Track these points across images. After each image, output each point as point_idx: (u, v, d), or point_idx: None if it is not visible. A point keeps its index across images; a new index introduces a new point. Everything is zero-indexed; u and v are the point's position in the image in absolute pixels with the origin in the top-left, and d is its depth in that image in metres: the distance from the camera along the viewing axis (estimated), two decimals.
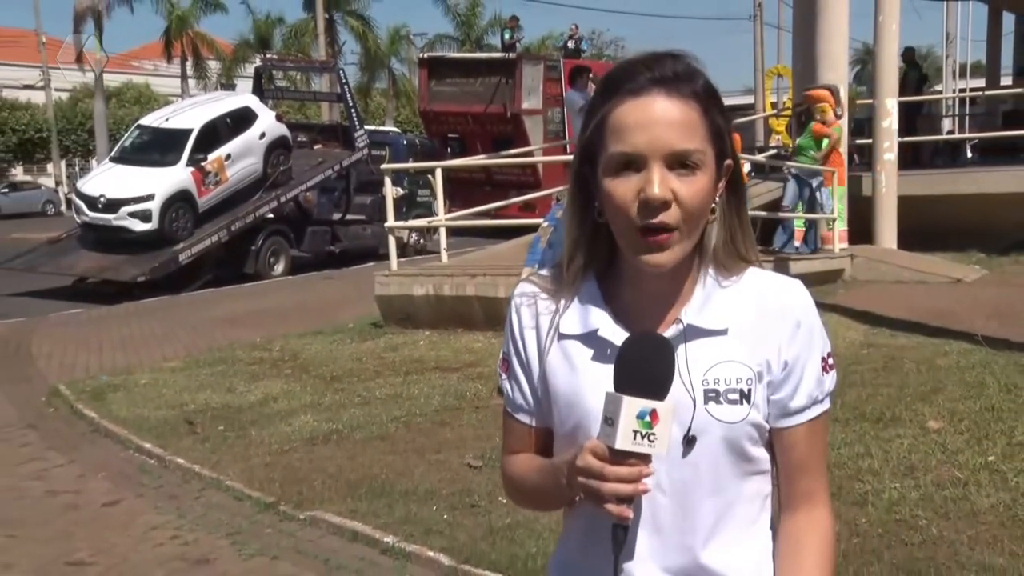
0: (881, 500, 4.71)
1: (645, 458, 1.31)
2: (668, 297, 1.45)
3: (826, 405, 1.49)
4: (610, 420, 1.30)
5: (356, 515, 5.00)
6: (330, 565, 4.54)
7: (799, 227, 12.46)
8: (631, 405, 1.28)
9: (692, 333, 1.42)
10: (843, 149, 12.87)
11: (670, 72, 1.37)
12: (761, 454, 1.46)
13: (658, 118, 1.35)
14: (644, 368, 1.31)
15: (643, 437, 1.29)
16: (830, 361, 1.49)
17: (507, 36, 25.59)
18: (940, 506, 4.61)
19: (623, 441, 1.29)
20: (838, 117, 12.42)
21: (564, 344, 1.48)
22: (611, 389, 1.32)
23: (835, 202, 12.54)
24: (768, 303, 1.45)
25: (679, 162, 1.35)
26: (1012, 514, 4.48)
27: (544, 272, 1.56)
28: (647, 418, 1.29)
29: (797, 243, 12.38)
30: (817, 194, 12.23)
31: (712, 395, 1.40)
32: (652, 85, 1.36)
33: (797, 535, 1.49)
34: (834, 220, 12.61)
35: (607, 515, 1.32)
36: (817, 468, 1.51)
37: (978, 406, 6.10)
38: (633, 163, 1.35)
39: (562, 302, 1.50)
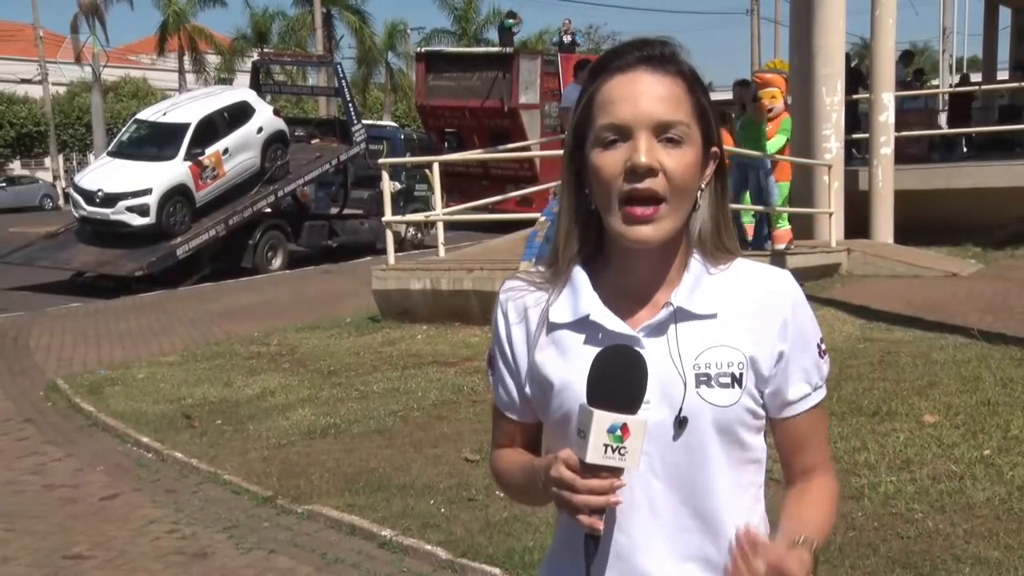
0: (877, 494, 4.73)
1: (617, 471, 1.32)
2: (657, 282, 1.47)
3: (824, 390, 1.53)
4: (582, 433, 1.31)
5: (354, 509, 5.02)
6: (327, 559, 4.55)
7: (748, 222, 11.56)
8: (602, 419, 1.29)
9: (682, 316, 1.44)
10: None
11: (657, 52, 1.41)
12: (755, 442, 1.48)
13: (644, 91, 1.38)
14: (616, 382, 1.33)
15: (614, 451, 1.30)
16: (823, 347, 1.52)
17: (508, 24, 25.33)
18: (936, 500, 4.63)
19: (594, 455, 1.30)
20: (787, 106, 11.83)
21: (555, 334, 1.49)
22: (584, 401, 1.33)
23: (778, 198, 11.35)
24: (758, 293, 1.47)
25: (665, 134, 1.38)
26: (1007, 507, 4.49)
27: (531, 268, 1.58)
28: (618, 432, 1.29)
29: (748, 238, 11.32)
30: (766, 183, 10.98)
31: (704, 379, 1.41)
32: (639, 63, 1.40)
33: (800, 491, 1.54)
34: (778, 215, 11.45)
35: (579, 526, 1.35)
36: (820, 445, 1.56)
37: (974, 400, 6.12)
38: (620, 134, 1.38)
39: (551, 293, 1.51)
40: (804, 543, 1.42)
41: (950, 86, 20.04)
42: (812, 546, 1.43)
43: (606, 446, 1.30)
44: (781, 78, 11.85)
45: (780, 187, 11.36)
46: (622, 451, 1.30)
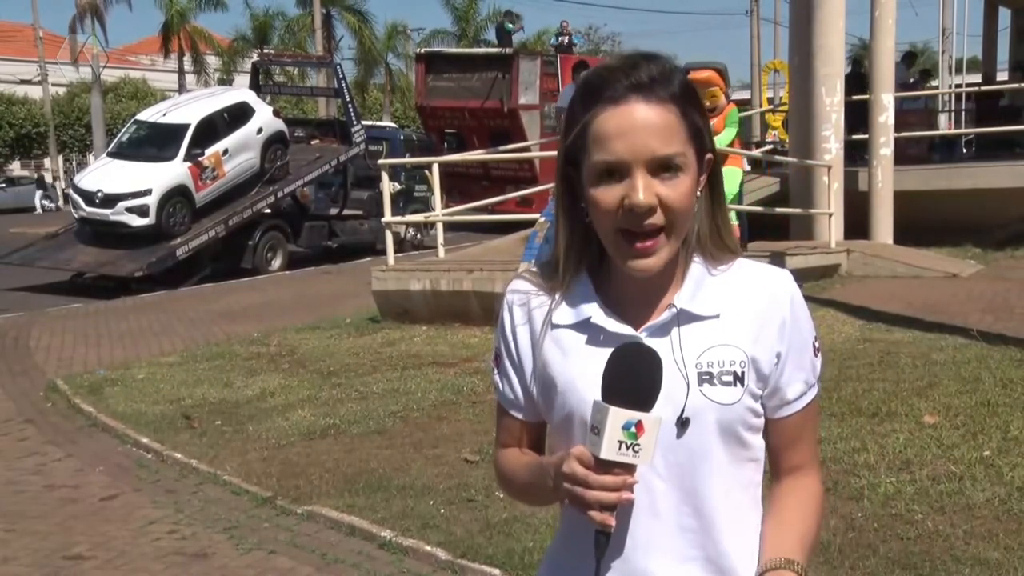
0: (877, 494, 4.73)
1: (630, 468, 1.33)
2: (659, 286, 1.47)
3: (817, 387, 1.54)
4: (596, 429, 1.32)
5: (353, 509, 5.02)
6: (327, 559, 4.55)
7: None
8: (617, 416, 1.30)
9: (685, 318, 1.44)
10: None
11: (646, 77, 1.39)
12: (755, 441, 1.49)
13: (638, 125, 1.36)
14: (631, 379, 1.33)
15: (628, 448, 1.30)
16: (817, 344, 1.53)
17: (508, 27, 25.31)
18: (935, 500, 4.63)
19: (608, 451, 1.30)
20: (729, 101, 11.80)
21: (557, 334, 1.50)
22: (599, 397, 1.34)
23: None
24: (758, 293, 1.47)
25: (662, 167, 1.37)
26: (1007, 508, 4.49)
27: (536, 268, 1.59)
28: (632, 429, 1.30)
29: None
30: None
31: (706, 377, 1.42)
32: (630, 92, 1.38)
33: (785, 494, 1.53)
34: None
35: (590, 521, 1.35)
36: (810, 442, 1.56)
37: (974, 401, 6.12)
38: (616, 171, 1.37)
39: (555, 297, 1.52)
40: (787, 566, 1.43)
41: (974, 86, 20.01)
42: (797, 567, 1.43)
43: (620, 443, 1.30)
44: (717, 74, 11.63)
45: (733, 173, 10.75)
46: (636, 448, 1.31)
